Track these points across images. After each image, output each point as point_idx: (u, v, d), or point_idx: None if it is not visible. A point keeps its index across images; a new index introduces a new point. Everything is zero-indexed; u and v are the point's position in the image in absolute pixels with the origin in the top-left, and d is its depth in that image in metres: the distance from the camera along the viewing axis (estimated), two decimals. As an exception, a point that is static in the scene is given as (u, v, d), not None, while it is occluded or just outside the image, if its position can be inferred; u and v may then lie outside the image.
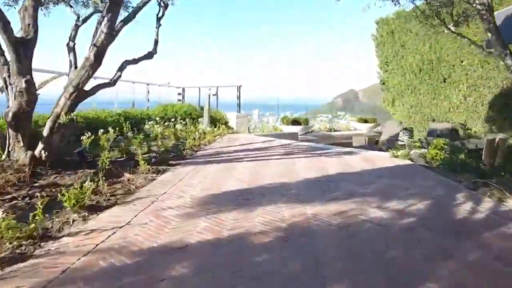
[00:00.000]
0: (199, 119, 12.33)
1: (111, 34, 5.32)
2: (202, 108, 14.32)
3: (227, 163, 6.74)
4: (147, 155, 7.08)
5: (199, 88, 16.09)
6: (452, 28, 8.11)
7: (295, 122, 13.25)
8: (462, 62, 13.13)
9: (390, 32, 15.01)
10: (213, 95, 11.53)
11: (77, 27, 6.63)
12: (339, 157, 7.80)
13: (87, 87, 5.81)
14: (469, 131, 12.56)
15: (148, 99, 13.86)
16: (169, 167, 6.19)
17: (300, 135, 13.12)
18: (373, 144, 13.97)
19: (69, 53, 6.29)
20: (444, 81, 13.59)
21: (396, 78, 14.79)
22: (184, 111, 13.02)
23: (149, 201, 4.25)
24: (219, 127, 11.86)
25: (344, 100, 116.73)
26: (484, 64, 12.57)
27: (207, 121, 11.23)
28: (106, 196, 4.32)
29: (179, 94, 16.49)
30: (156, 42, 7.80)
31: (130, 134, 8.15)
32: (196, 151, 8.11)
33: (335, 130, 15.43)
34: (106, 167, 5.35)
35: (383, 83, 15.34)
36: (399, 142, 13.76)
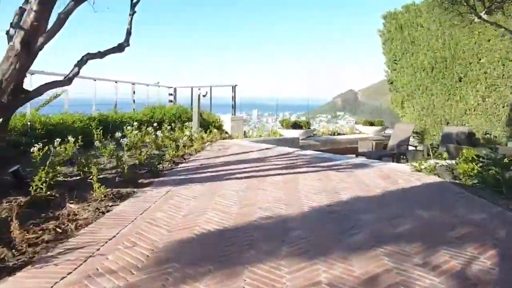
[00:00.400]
0: (190, 123, 10.92)
1: (45, 8, 3.86)
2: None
3: (212, 183, 5.30)
4: (114, 170, 5.65)
5: (192, 88, 14.62)
6: (484, 16, 6.71)
7: (296, 125, 11.83)
8: (480, 59, 11.70)
9: (398, 27, 13.59)
10: (203, 96, 10.07)
11: (22, 10, 5.20)
12: (351, 173, 6.37)
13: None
14: (488, 135, 11.15)
15: (134, 100, 12.41)
16: (135, 190, 4.74)
17: (301, 139, 11.69)
18: (380, 149, 12.54)
19: (8, 43, 4.87)
20: (460, 81, 12.16)
21: (405, 77, 13.37)
22: (173, 114, 11.57)
23: (83, 256, 2.81)
24: (211, 131, 10.44)
25: (343, 100, 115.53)
26: (506, 62, 11.12)
27: (197, 125, 9.76)
28: (21, 246, 2.89)
29: (170, 94, 15.03)
30: (128, 32, 6.35)
31: (98, 143, 6.71)
32: (178, 164, 6.66)
33: (339, 134, 13.99)
34: (44, 193, 3.92)
35: (391, 83, 13.92)
36: (410, 148, 12.35)
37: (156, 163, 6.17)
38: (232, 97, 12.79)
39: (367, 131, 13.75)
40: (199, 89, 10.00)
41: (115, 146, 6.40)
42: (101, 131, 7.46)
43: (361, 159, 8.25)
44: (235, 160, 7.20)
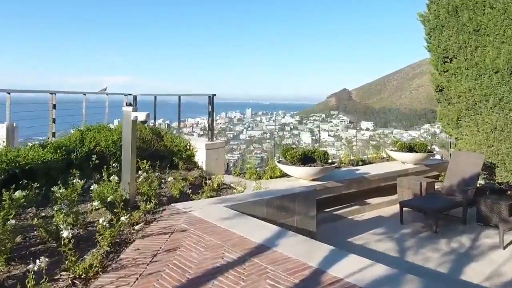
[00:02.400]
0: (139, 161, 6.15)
1: None
2: (154, 131, 8.06)
3: None
4: None
5: (155, 97, 9.81)
6: None
7: (306, 158, 7.09)
8: None
9: (453, 10, 8.78)
10: (142, 121, 5.12)
11: None
12: None
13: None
14: None
15: (54, 119, 7.54)
16: None
17: (312, 179, 6.97)
18: (435, 193, 7.80)
19: None
20: None
21: (464, 83, 8.60)
22: (114, 142, 6.74)
23: None
24: (174, 164, 5.70)
25: (337, 100, 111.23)
26: None
27: (129, 176, 4.84)
28: None
29: (129, 104, 10.11)
30: None
31: None
32: None
33: (363, 162, 9.22)
34: None
35: (440, 90, 9.15)
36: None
37: None
38: (209, 112, 7.95)
39: (402, 158, 9.00)
40: (128, 104, 5.12)
41: None
42: None
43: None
44: None
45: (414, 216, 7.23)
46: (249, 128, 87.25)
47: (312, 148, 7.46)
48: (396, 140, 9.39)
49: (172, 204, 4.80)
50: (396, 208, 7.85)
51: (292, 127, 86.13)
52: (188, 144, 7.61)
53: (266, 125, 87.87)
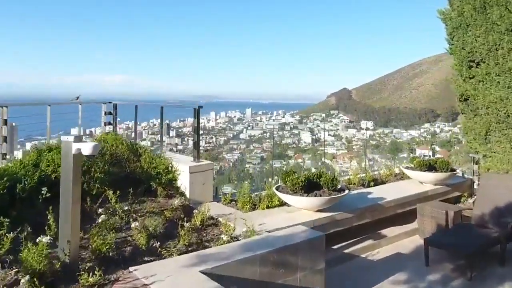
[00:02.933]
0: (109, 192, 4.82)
1: None
2: (131, 148, 6.70)
3: None
4: None
5: (136, 107, 8.45)
6: None
7: (311, 184, 5.74)
8: None
9: (480, 6, 7.41)
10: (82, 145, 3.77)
11: None
12: None
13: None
14: None
15: (5, 137, 6.18)
16: None
17: (317, 210, 5.66)
18: (464, 226, 6.47)
19: None
20: None
21: (495, 91, 7.25)
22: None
23: None
24: (148, 195, 4.41)
25: (337, 99, 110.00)
26: None
27: (68, 230, 3.39)
28: None
29: (108, 114, 8.78)
30: None
31: None
32: None
33: (374, 182, 7.86)
34: None
35: (465, 99, 7.80)
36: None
37: None
38: (194, 128, 6.57)
39: (422, 178, 7.66)
40: (77, 140, 3.74)
41: None
42: None
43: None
44: None
45: (440, 254, 5.90)
46: (249, 128, 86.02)
47: (318, 172, 6.09)
48: (416, 159, 7.99)
49: (130, 269, 3.45)
50: (416, 240, 6.56)
51: (292, 126, 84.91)
52: (170, 165, 6.25)
53: (266, 124, 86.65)
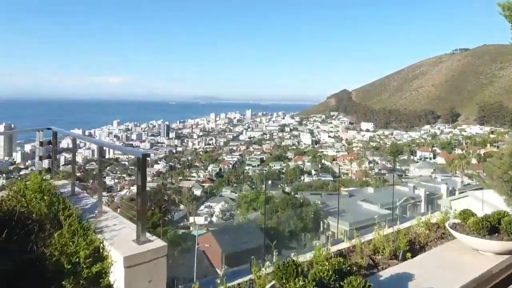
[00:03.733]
0: None
1: None
2: (57, 207, 3.47)
3: None
4: None
5: (73, 140, 5.89)
6: None
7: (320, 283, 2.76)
8: None
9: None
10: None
11: None
12: None
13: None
14: None
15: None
16: None
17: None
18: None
19: None
20: None
21: None
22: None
23: None
24: None
25: (337, 100, 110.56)
26: None
27: None
28: None
29: (46, 143, 5.87)
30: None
31: None
32: None
33: (411, 246, 4.95)
34: None
35: None
36: None
37: None
38: (138, 186, 3.49)
39: (481, 246, 4.97)
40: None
41: None
42: None
43: None
44: None
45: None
46: (248, 129, 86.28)
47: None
48: (463, 211, 5.41)
49: None
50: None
51: (292, 128, 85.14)
52: (101, 247, 3.23)
53: (266, 126, 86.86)
